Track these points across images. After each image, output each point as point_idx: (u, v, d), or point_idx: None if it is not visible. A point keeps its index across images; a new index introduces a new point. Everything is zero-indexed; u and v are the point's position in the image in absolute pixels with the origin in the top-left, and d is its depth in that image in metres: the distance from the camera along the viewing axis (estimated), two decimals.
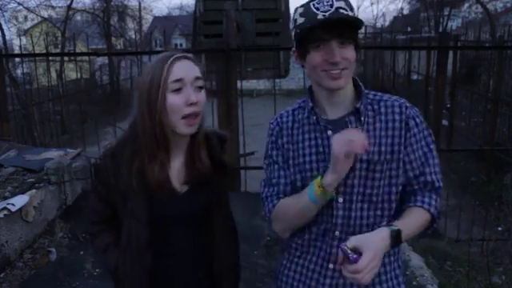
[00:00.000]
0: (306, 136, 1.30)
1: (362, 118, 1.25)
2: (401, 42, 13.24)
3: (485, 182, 6.95)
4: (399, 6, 55.59)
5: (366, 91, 1.31)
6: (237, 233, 1.54)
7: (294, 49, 1.29)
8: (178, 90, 1.23)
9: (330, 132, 1.25)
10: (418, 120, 1.28)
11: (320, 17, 1.18)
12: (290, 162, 1.31)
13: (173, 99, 1.23)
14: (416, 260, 3.32)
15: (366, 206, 1.25)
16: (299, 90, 17.04)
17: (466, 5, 21.40)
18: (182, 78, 1.24)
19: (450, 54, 7.13)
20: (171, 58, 1.24)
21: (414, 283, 3.03)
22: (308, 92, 1.34)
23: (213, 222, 1.38)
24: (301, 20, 1.22)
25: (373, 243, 1.10)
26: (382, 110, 1.27)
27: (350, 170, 1.21)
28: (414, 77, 11.49)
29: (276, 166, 1.34)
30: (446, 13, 20.75)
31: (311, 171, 1.27)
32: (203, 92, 1.29)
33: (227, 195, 1.48)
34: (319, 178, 1.19)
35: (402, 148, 1.25)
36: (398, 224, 1.17)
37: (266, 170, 1.38)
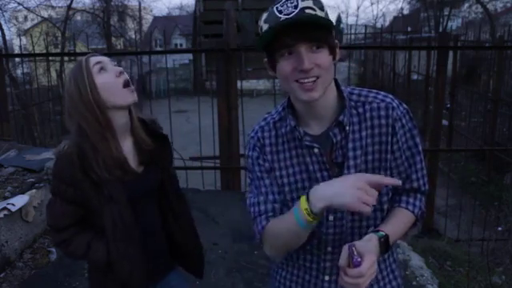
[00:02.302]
0: (293, 153, 1.21)
1: (347, 128, 1.16)
2: (401, 41, 13.23)
3: (485, 181, 6.95)
4: (399, 6, 55.59)
5: (349, 90, 1.21)
6: (185, 197, 1.69)
7: (265, 59, 1.17)
8: (102, 70, 1.38)
9: (316, 150, 1.17)
10: (404, 120, 1.19)
11: (282, 19, 1.05)
12: (279, 181, 1.22)
13: (102, 78, 1.37)
14: (416, 260, 3.32)
15: (356, 217, 1.20)
16: None
17: (466, 5, 21.40)
18: (100, 61, 1.40)
19: (450, 53, 7.13)
20: (84, 57, 1.42)
21: (414, 283, 3.03)
22: (287, 105, 1.22)
23: (168, 194, 1.57)
24: (265, 26, 1.09)
25: (369, 250, 1.06)
26: (368, 114, 1.17)
27: None
28: (414, 77, 11.48)
29: (261, 182, 1.24)
30: (446, 13, 20.76)
31: (303, 189, 1.18)
32: (124, 74, 1.42)
33: (174, 171, 1.66)
34: (305, 202, 1.06)
35: (388, 155, 1.18)
36: (385, 229, 1.13)
37: (250, 186, 1.28)
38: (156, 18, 29.93)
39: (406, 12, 25.17)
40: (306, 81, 1.08)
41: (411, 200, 1.23)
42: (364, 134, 1.17)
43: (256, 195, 1.25)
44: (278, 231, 1.16)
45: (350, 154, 1.16)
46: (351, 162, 1.16)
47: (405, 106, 1.21)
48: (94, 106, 1.36)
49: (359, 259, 1.02)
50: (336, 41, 1.12)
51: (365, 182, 1.01)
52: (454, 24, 22.72)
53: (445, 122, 8.03)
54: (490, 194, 6.13)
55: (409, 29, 21.63)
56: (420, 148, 1.22)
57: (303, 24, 1.04)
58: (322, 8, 1.08)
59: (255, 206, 1.24)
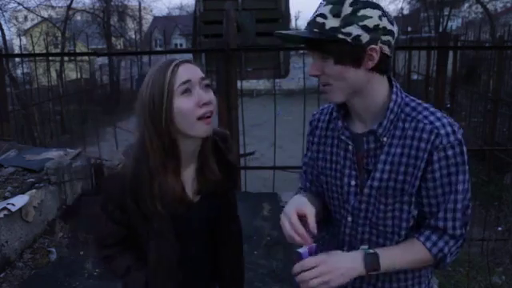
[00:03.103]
0: (335, 142, 1.23)
1: (385, 139, 1.12)
2: (401, 41, 13.23)
3: (485, 181, 6.95)
4: (399, 6, 55.60)
5: (407, 101, 1.14)
6: (242, 235, 1.53)
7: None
8: (186, 93, 1.16)
9: (350, 147, 1.17)
10: (450, 152, 1.07)
11: (298, 31, 1.11)
12: (319, 163, 1.27)
13: (182, 103, 1.15)
14: None
15: (374, 232, 1.17)
16: (299, 89, 17.04)
17: (466, 5, 21.39)
18: (189, 80, 1.16)
19: (450, 53, 7.14)
20: (173, 64, 1.18)
21: None
22: None
23: (222, 228, 1.39)
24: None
25: (335, 254, 1.08)
26: (410, 132, 1.09)
27: (356, 193, 1.17)
28: (414, 77, 11.49)
29: (308, 152, 1.34)
30: (446, 13, 20.75)
31: (331, 177, 1.23)
32: (211, 91, 1.22)
33: (235, 199, 1.46)
34: None
35: (416, 182, 1.10)
36: (380, 250, 1.10)
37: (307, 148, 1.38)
38: (156, 18, 29.92)
39: (406, 12, 25.15)
40: (320, 83, 1.13)
41: (434, 237, 1.12)
42: (400, 151, 1.10)
43: (303, 165, 1.37)
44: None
45: (380, 165, 1.13)
46: (377, 175, 1.13)
47: (459, 137, 1.08)
48: (164, 129, 1.17)
49: (307, 255, 1.05)
50: (372, 46, 1.05)
51: (294, 212, 1.08)
52: (454, 24, 22.72)
53: None
54: (490, 194, 6.13)
55: (409, 29, 21.62)
56: (460, 188, 1.10)
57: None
58: (337, 14, 1.04)
59: (304, 166, 1.36)
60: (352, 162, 1.17)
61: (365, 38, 1.04)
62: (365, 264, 1.08)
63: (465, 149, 1.09)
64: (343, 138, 1.19)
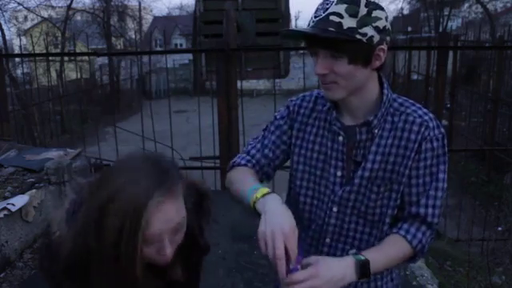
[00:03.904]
0: (320, 132, 1.23)
1: (376, 131, 1.16)
2: (401, 41, 13.23)
3: (485, 181, 6.96)
4: (399, 5, 55.61)
5: (394, 97, 1.20)
6: None
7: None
8: (150, 242, 0.93)
9: (340, 138, 1.19)
10: (436, 144, 1.15)
11: (311, 22, 1.08)
12: (296, 150, 1.26)
13: (144, 246, 0.93)
14: None
15: (361, 221, 1.20)
16: (299, 89, 17.04)
17: (466, 5, 21.40)
18: (160, 233, 0.92)
19: (450, 53, 7.13)
20: (152, 203, 0.89)
21: (414, 283, 3.03)
22: None
23: None
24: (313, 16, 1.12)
25: (325, 263, 1.05)
26: (400, 125, 1.16)
27: (347, 184, 1.18)
28: (414, 77, 11.49)
29: (268, 135, 1.31)
30: (446, 13, 20.76)
31: (315, 169, 1.23)
32: (181, 233, 0.99)
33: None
34: (261, 192, 1.09)
35: (406, 171, 1.15)
36: (369, 254, 1.10)
37: (261, 132, 1.35)
38: (156, 18, 29.92)
39: (406, 12, 25.16)
40: (322, 82, 1.13)
41: (413, 230, 1.17)
42: (390, 142, 1.16)
43: (257, 141, 1.33)
44: (236, 181, 1.23)
45: (370, 156, 1.16)
46: (368, 165, 1.16)
47: (442, 130, 1.18)
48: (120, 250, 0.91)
49: (298, 267, 1.01)
50: (381, 46, 1.08)
51: (290, 232, 0.99)
52: (454, 24, 22.72)
53: (445, 122, 8.04)
54: (490, 194, 6.13)
55: (409, 29, 21.63)
56: (441, 177, 1.17)
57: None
58: (354, 14, 1.04)
59: (250, 147, 1.32)
60: (341, 153, 1.19)
61: (376, 38, 1.07)
62: (357, 273, 1.07)
63: (446, 142, 1.18)
64: (335, 128, 1.20)
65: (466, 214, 4.87)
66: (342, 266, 1.06)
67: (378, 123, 1.16)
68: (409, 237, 1.16)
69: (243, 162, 1.29)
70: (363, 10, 1.05)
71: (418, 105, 1.20)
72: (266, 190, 1.11)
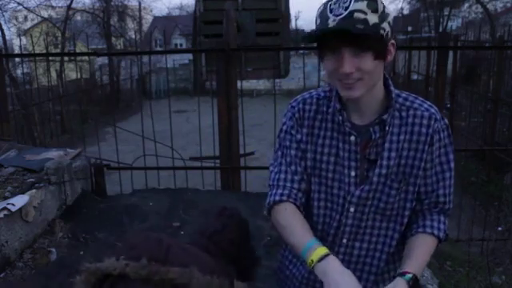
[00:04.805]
0: (328, 134, 1.22)
1: (387, 128, 1.17)
2: (401, 41, 13.24)
3: (485, 181, 6.95)
4: (399, 5, 55.54)
5: (397, 92, 1.21)
6: None
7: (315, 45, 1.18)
8: None
9: (352, 138, 1.18)
10: (443, 134, 1.19)
11: (331, 21, 1.05)
12: (308, 155, 1.23)
13: None
14: None
15: (378, 217, 1.22)
16: (299, 89, 17.02)
17: (466, 5, 21.40)
18: None
19: (450, 53, 7.13)
20: None
21: None
22: (336, 91, 1.21)
23: None
24: (318, 21, 1.10)
25: None
26: (410, 120, 1.18)
27: (364, 183, 1.19)
28: (414, 77, 11.49)
29: (288, 152, 1.25)
30: (446, 13, 20.76)
31: (326, 172, 1.22)
32: None
33: None
34: (317, 255, 1.07)
35: (422, 163, 1.18)
36: (411, 269, 1.11)
37: (275, 153, 1.29)
38: (156, 18, 29.91)
39: (406, 12, 25.16)
40: (346, 81, 1.10)
41: (435, 224, 1.22)
42: (402, 137, 1.18)
43: (279, 164, 1.27)
44: (284, 227, 1.18)
45: (385, 153, 1.17)
46: (384, 162, 1.18)
47: (446, 121, 1.22)
48: None
49: None
50: (392, 41, 1.11)
51: None
52: (454, 24, 22.72)
53: None
54: (490, 194, 6.13)
55: (409, 29, 21.63)
56: (452, 166, 1.22)
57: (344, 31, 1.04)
58: (375, 10, 1.05)
59: (275, 174, 1.26)
60: (354, 153, 1.19)
61: (390, 33, 1.10)
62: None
63: (450, 131, 1.22)
64: (347, 129, 1.19)
65: (466, 214, 4.86)
66: None
67: (390, 120, 1.17)
68: (435, 232, 1.21)
69: (278, 198, 1.22)
70: (381, 6, 1.07)
71: (421, 98, 1.22)
72: (322, 250, 1.08)
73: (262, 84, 18.00)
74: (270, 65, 16.46)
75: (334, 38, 1.06)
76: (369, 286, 1.27)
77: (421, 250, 1.18)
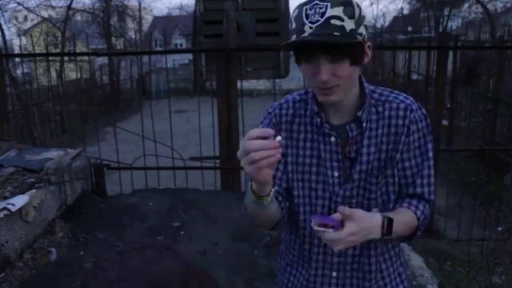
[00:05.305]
0: (309, 136, 1.22)
1: (364, 125, 1.18)
2: (401, 41, 13.24)
3: (485, 181, 6.96)
4: (399, 5, 55.54)
5: (372, 88, 1.22)
6: None
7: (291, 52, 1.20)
8: None
9: (333, 138, 1.19)
10: (420, 125, 1.19)
11: (307, 28, 1.04)
12: (289, 159, 1.24)
13: None
14: (416, 260, 3.32)
15: (365, 206, 1.22)
16: (299, 89, 16.98)
17: (466, 5, 21.39)
18: None
19: (450, 53, 7.12)
20: None
21: (414, 283, 3.02)
22: (312, 93, 1.23)
23: None
24: (293, 25, 1.09)
25: (362, 220, 1.04)
26: (386, 113, 1.19)
27: (346, 181, 1.19)
28: (414, 77, 11.49)
29: None
30: (446, 13, 20.75)
31: (310, 174, 1.22)
32: None
33: None
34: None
35: (398, 155, 1.19)
36: (390, 215, 1.12)
37: None
38: (156, 18, 29.93)
39: (406, 12, 25.16)
40: (323, 87, 1.10)
41: (414, 202, 1.21)
42: (380, 131, 1.19)
43: None
44: (251, 211, 1.19)
45: (364, 150, 1.18)
46: (364, 158, 1.18)
47: (424, 111, 1.22)
48: None
49: (335, 220, 1.02)
50: (368, 43, 1.12)
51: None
52: (454, 24, 22.71)
53: (445, 122, 8.03)
54: (490, 194, 6.13)
55: (409, 29, 21.64)
56: (430, 155, 1.22)
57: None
58: (352, 16, 1.04)
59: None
60: (335, 153, 1.20)
61: (365, 36, 1.10)
62: (381, 229, 1.08)
63: (429, 121, 1.22)
64: (327, 130, 1.20)
65: (466, 214, 4.86)
66: (375, 223, 1.08)
67: (367, 115, 1.18)
68: (413, 208, 1.20)
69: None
70: (357, 11, 1.06)
71: (396, 91, 1.24)
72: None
73: (261, 84, 18.00)
74: (269, 65, 16.46)
75: (310, 46, 1.06)
76: (366, 284, 1.27)
77: (401, 214, 1.17)
